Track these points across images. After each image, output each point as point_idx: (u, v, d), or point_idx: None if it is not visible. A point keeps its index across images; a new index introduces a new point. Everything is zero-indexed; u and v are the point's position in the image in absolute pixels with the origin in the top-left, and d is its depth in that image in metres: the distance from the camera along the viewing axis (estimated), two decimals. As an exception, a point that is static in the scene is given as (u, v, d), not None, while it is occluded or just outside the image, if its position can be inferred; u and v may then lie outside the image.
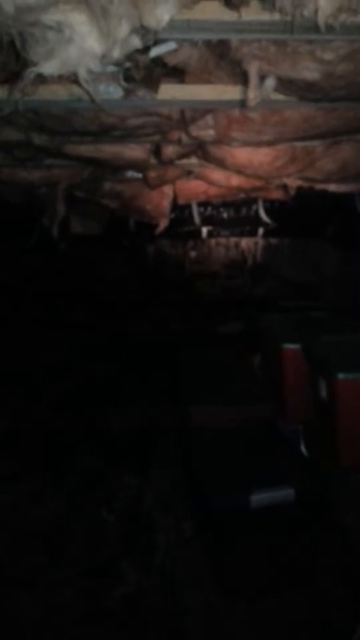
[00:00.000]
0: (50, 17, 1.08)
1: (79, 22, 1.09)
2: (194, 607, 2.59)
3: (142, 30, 1.08)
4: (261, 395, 3.54)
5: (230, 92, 1.85)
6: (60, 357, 5.65)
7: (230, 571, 2.52)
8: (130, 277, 7.35)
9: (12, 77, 1.93)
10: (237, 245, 7.22)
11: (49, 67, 1.21)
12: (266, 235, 6.50)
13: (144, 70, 1.80)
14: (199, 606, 2.58)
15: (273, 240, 7.25)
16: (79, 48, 1.14)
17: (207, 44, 1.58)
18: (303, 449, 3.37)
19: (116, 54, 1.12)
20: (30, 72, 1.24)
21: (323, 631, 2.37)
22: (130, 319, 6.86)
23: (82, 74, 1.19)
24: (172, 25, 1.19)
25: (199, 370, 3.98)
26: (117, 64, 1.32)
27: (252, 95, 1.56)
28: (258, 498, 2.45)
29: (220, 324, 6.31)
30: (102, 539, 2.96)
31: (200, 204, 4.96)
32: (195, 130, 2.27)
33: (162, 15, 1.06)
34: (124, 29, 1.05)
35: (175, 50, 1.69)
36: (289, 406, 3.40)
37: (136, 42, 1.12)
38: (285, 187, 3.31)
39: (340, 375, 2.81)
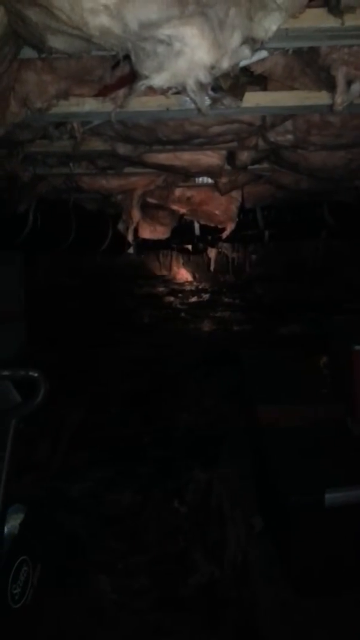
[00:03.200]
0: (164, 31, 1.18)
1: (190, 35, 1.18)
2: (265, 601, 2.64)
3: (250, 41, 1.18)
4: (330, 395, 3.55)
5: (313, 97, 1.92)
6: (129, 355, 5.86)
7: (303, 568, 2.55)
8: (192, 279, 7.50)
9: (105, 91, 2.10)
10: (298, 247, 7.20)
11: (159, 80, 1.32)
12: (328, 237, 6.44)
13: (231, 79, 1.91)
14: (270, 601, 2.62)
15: (334, 243, 7.16)
16: (189, 60, 1.24)
17: (296, 51, 1.66)
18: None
19: (225, 64, 1.22)
20: (142, 85, 1.36)
21: None
22: (192, 320, 7.01)
23: (191, 85, 1.29)
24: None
25: (265, 369, 4.03)
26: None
27: (340, 100, 1.63)
28: (332, 496, 2.48)
29: (281, 325, 6.32)
30: (174, 528, 3.07)
31: (264, 208, 5.02)
32: (273, 136, 2.35)
33: (270, 26, 1.14)
34: (235, 40, 1.14)
35: (263, 59, 1.79)
36: (359, 406, 3.40)
37: (246, 53, 1.22)
38: (356, 189, 3.33)
39: None
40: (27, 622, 1.98)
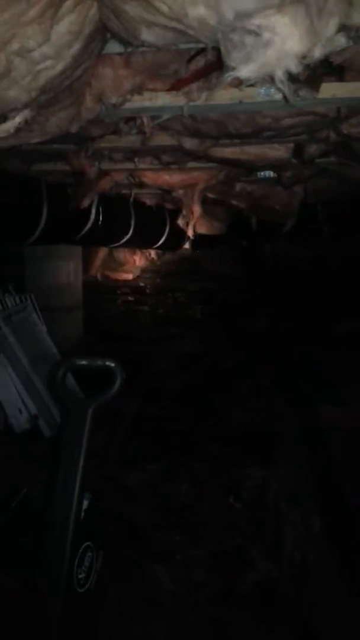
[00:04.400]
0: (254, 21, 1.17)
1: (281, 24, 1.16)
2: (325, 602, 2.59)
3: (346, 27, 1.14)
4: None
5: (394, 87, 1.85)
6: (181, 350, 5.90)
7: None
8: (246, 275, 7.46)
9: (178, 84, 2.10)
10: (357, 244, 7.00)
11: (247, 71, 1.30)
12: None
13: (309, 69, 1.86)
14: (330, 602, 2.58)
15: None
16: (279, 50, 1.22)
17: (380, 41, 1.60)
18: None
19: (318, 53, 1.18)
20: (229, 76, 1.34)
21: None
22: (244, 316, 6.97)
23: (279, 75, 1.27)
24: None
25: (323, 368, 3.95)
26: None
27: None
28: None
29: (335, 323, 6.17)
30: (231, 524, 3.06)
31: (324, 203, 4.91)
32: (347, 128, 2.29)
33: (367, 11, 1.10)
34: (331, 27, 1.11)
35: (343, 49, 1.73)
36: None
37: (342, 41, 1.18)
38: None
39: None
40: (90, 606, 2.03)
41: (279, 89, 1.42)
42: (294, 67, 1.24)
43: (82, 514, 2.05)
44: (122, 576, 2.68)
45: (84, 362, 1.60)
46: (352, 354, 4.59)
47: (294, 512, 3.12)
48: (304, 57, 1.23)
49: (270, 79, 1.35)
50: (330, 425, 3.13)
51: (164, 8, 0.99)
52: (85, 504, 2.08)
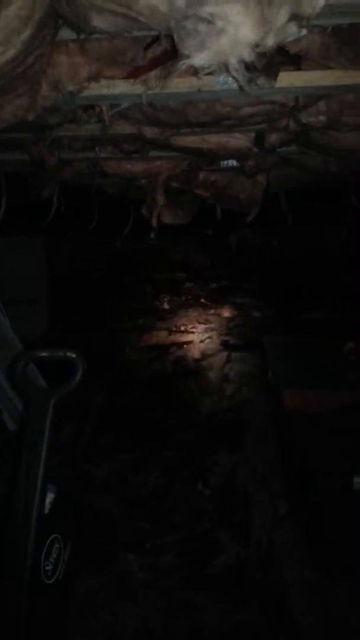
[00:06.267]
0: (207, 9, 1.16)
1: (234, 12, 1.16)
2: (293, 581, 2.67)
3: (297, 17, 1.16)
4: (356, 380, 3.54)
5: (350, 76, 1.88)
6: (150, 340, 5.90)
7: (332, 549, 2.57)
8: (213, 265, 7.50)
9: (136, 72, 2.08)
10: (321, 232, 7.12)
11: (201, 59, 1.29)
12: (354, 222, 6.35)
13: (266, 58, 1.87)
14: (298, 581, 2.66)
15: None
16: (232, 38, 1.21)
17: (335, 29, 1.62)
18: None
19: (271, 41, 1.19)
20: (182, 64, 1.34)
21: None
22: (212, 305, 7.02)
23: (233, 64, 1.27)
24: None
25: (290, 355, 4.03)
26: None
27: (380, 78, 1.59)
28: (360, 479, 2.49)
29: (304, 311, 6.29)
30: (200, 510, 3.11)
31: (288, 191, 4.95)
32: (305, 117, 2.31)
33: (318, 1, 1.12)
34: (282, 16, 1.12)
35: (298, 38, 1.75)
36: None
37: (293, 30, 1.19)
38: (386, 171, 3.26)
39: None
40: (59, 597, 2.04)
41: (234, 78, 1.43)
42: (248, 56, 1.24)
43: (49, 506, 2.04)
44: (93, 566, 2.69)
45: (44, 354, 1.59)
46: (317, 339, 4.70)
47: (262, 495, 3.19)
48: (257, 45, 1.23)
49: (226, 67, 1.35)
50: (294, 409, 3.20)
51: (113, -6, 0.99)
52: (51, 496, 2.08)
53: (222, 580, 2.70)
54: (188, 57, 1.32)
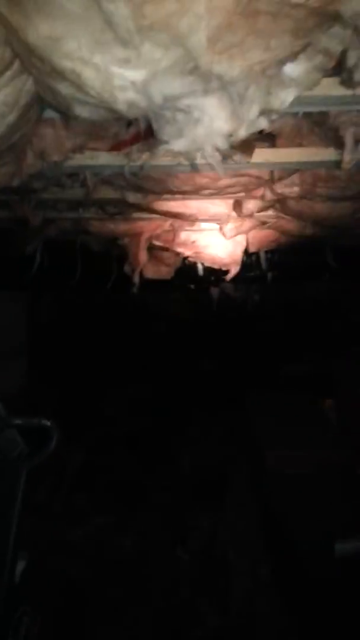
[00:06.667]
0: (184, 101, 1.25)
1: (209, 105, 1.25)
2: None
3: (267, 111, 1.24)
4: (337, 440, 3.53)
5: (320, 154, 1.99)
6: (131, 394, 5.84)
7: (314, 618, 2.48)
8: (195, 317, 7.57)
9: (119, 145, 2.18)
10: (301, 289, 7.29)
11: (178, 145, 1.38)
12: (331, 280, 6.53)
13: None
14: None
15: (338, 286, 7.24)
16: (207, 128, 1.30)
17: (306, 113, 1.74)
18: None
19: (243, 133, 1.28)
20: (162, 149, 1.42)
21: None
22: (195, 357, 7.03)
23: (208, 151, 1.35)
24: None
25: (271, 413, 4.02)
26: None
27: (348, 158, 1.70)
28: (342, 547, 2.45)
29: (285, 365, 6.33)
30: (178, 577, 2.99)
31: (267, 250, 5.10)
32: (280, 188, 2.43)
33: (286, 98, 1.20)
34: (253, 112, 1.21)
35: (273, 120, 1.87)
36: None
37: (263, 123, 1.28)
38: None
39: None
40: None
41: (207, 163, 1.51)
42: (222, 144, 1.32)
43: (18, 576, 1.95)
44: (64, 641, 2.54)
45: (18, 422, 1.57)
46: (299, 396, 4.71)
47: (242, 561, 3.09)
48: (230, 135, 1.31)
49: (201, 154, 1.43)
50: (275, 469, 3.16)
51: (93, 92, 1.05)
52: (22, 564, 1.99)
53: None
54: (167, 142, 1.40)
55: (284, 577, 2.77)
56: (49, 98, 1.26)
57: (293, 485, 2.98)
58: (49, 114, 1.66)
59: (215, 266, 4.40)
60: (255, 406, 4.25)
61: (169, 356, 7.07)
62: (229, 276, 4.31)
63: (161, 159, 2.10)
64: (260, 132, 1.99)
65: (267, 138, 2.14)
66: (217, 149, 1.33)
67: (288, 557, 2.62)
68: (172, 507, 3.59)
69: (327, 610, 2.47)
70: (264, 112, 1.24)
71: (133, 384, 6.16)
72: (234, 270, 4.35)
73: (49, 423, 1.53)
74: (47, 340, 6.27)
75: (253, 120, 1.22)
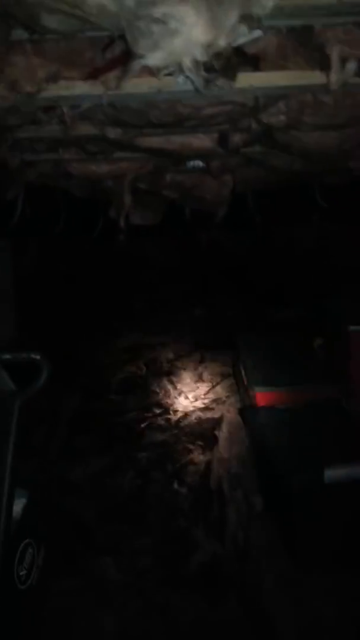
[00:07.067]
0: (159, 10, 1.17)
1: (185, 13, 1.17)
2: (268, 577, 2.70)
3: (247, 18, 1.17)
4: (325, 376, 3.60)
5: (306, 77, 1.91)
6: (123, 343, 5.88)
7: (306, 544, 2.60)
8: (184, 265, 7.53)
9: (95, 73, 2.08)
10: (290, 232, 7.23)
11: (154, 59, 1.30)
12: (321, 221, 6.46)
13: (224, 60, 1.89)
14: (273, 577, 2.68)
15: (327, 227, 7.17)
16: (185, 39, 1.23)
17: (290, 30, 1.65)
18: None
19: (222, 42, 1.21)
20: (137, 64, 1.35)
21: None
22: (185, 305, 7.04)
23: (187, 64, 1.29)
24: (266, 12, 1.26)
25: (261, 353, 4.07)
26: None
27: (335, 79, 1.63)
28: (332, 473, 2.53)
29: (275, 310, 6.38)
30: (176, 510, 3.11)
31: (255, 192, 5.01)
32: (266, 117, 2.34)
33: (267, 2, 1.14)
34: (232, 18, 1.14)
35: (256, 39, 1.78)
36: (356, 387, 3.45)
37: (243, 30, 1.21)
38: (348, 170, 3.33)
39: None
40: (33, 602, 2.01)
41: (189, 79, 1.44)
42: (201, 56, 1.26)
43: (21, 511, 2.01)
44: (69, 570, 2.66)
45: (7, 356, 1.57)
46: (288, 336, 4.77)
47: (237, 493, 3.21)
48: (209, 45, 1.25)
49: (180, 68, 1.36)
50: (264, 406, 3.23)
51: (61, -6, 0.99)
52: (23, 501, 2.05)
53: (198, 579, 2.70)
54: (142, 56, 1.32)
55: (276, 507, 2.89)
56: (14, 8, 1.18)
57: (283, 420, 3.06)
58: (18, 34, 1.58)
59: (203, 208, 4.33)
60: (246, 347, 4.30)
61: (159, 303, 7.07)
62: (217, 219, 4.25)
63: (139, 87, 2.02)
64: (243, 54, 1.91)
65: (250, 62, 2.05)
66: (196, 61, 1.26)
67: (279, 488, 2.71)
68: (167, 447, 3.70)
69: (317, 537, 2.58)
70: (245, 19, 1.17)
71: (124, 333, 6.20)
72: (221, 213, 4.28)
73: (38, 357, 1.54)
74: (33, 289, 6.23)
75: (233, 27, 1.16)
